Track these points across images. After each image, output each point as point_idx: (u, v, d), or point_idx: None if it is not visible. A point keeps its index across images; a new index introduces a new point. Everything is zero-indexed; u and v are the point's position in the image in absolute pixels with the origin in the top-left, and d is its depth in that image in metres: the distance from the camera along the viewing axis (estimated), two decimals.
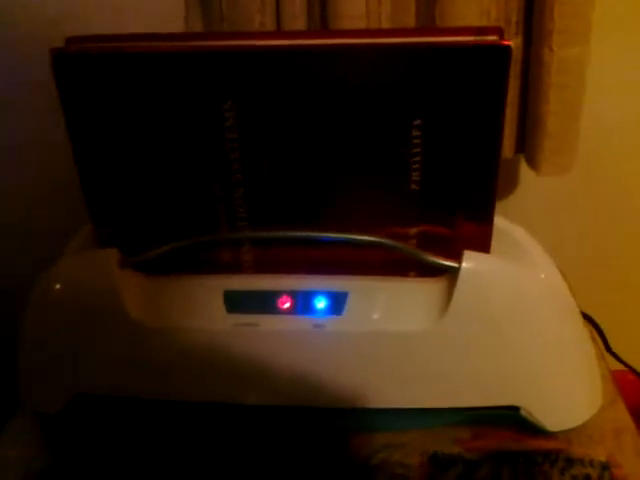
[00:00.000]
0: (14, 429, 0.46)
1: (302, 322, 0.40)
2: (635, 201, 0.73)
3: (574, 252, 0.73)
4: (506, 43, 0.34)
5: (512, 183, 0.72)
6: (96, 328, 0.42)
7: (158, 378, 0.43)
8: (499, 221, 0.41)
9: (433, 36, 0.36)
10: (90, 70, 0.37)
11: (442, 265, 0.39)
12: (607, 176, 0.72)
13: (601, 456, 0.42)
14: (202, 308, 0.41)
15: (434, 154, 0.38)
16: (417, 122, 0.37)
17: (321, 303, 0.40)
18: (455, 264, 0.38)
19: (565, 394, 0.42)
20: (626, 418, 0.45)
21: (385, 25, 0.55)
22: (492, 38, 0.35)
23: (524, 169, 0.70)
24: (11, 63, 0.62)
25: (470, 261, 0.38)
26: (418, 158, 0.38)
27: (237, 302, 0.41)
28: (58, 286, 0.42)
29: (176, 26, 0.61)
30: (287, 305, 0.40)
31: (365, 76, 0.36)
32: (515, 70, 0.59)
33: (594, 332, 0.54)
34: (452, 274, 0.39)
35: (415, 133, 0.37)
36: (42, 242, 0.54)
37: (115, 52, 0.37)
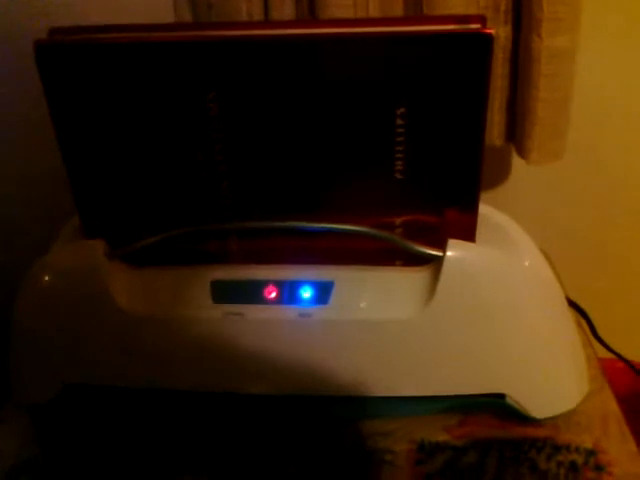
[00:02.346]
0: (4, 419, 0.46)
1: (288, 312, 0.40)
2: (624, 189, 0.73)
3: (564, 240, 0.73)
4: (488, 31, 0.34)
5: (502, 172, 0.72)
6: (85, 319, 0.42)
7: (147, 368, 0.43)
8: (484, 209, 0.41)
9: (416, 25, 0.36)
10: (74, 61, 0.37)
11: (426, 254, 0.39)
12: (596, 165, 0.72)
13: (587, 443, 0.42)
14: (189, 298, 0.41)
15: (418, 143, 0.38)
16: (401, 111, 0.37)
17: (307, 293, 0.40)
18: (439, 253, 0.39)
19: (551, 382, 0.42)
20: (613, 405, 0.45)
21: (373, 13, 0.55)
22: (475, 26, 0.35)
23: (514, 158, 0.70)
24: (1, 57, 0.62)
25: (454, 250, 0.38)
26: (402, 147, 0.38)
27: (224, 292, 0.41)
28: (47, 277, 0.42)
29: (165, 16, 0.61)
30: (273, 295, 0.41)
31: (348, 65, 0.36)
32: (505, 58, 0.59)
33: (582, 320, 0.54)
34: (437, 263, 0.39)
35: (399, 122, 0.37)
36: (34, 233, 0.54)
37: (99, 43, 0.37)
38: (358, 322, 0.40)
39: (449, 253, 0.38)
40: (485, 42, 0.34)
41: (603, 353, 0.55)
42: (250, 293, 0.41)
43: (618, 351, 0.57)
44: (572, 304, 0.52)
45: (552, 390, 0.43)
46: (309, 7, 0.56)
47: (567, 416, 0.43)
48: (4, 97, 0.64)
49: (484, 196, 0.40)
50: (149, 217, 0.42)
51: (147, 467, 0.42)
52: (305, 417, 0.44)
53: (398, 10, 0.56)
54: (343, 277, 0.40)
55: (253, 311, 0.40)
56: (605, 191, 0.73)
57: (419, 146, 0.38)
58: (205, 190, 0.41)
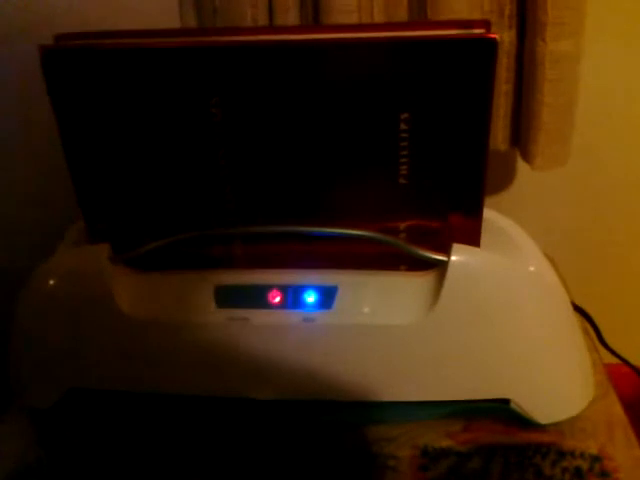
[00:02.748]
0: (7, 424, 0.46)
1: (292, 316, 0.40)
2: (629, 194, 0.73)
3: (569, 245, 0.73)
4: (492, 36, 0.34)
5: (507, 177, 0.72)
6: (88, 323, 0.42)
7: (150, 372, 0.43)
8: (489, 214, 0.41)
9: (421, 30, 0.36)
10: (79, 66, 0.38)
11: (431, 259, 0.39)
12: (601, 169, 0.71)
13: (593, 448, 0.42)
14: (193, 303, 0.41)
15: (422, 148, 0.38)
16: (405, 116, 0.37)
17: (311, 297, 0.40)
18: (444, 257, 0.38)
19: (555, 387, 0.42)
20: (618, 410, 0.45)
21: (377, 19, 0.55)
22: (479, 31, 0.35)
23: (519, 162, 0.70)
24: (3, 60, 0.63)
25: (459, 254, 0.38)
26: (406, 152, 0.38)
27: (228, 297, 0.41)
28: (51, 282, 0.42)
29: (171, 22, 0.61)
30: (277, 299, 0.41)
31: (352, 71, 0.36)
32: (509, 63, 0.59)
33: (588, 325, 0.54)
34: (441, 267, 0.39)
35: (403, 127, 0.37)
36: (38, 237, 0.54)
37: (104, 48, 0.38)
38: (362, 327, 0.40)
39: (453, 258, 0.38)
40: (489, 47, 0.34)
41: (609, 358, 0.55)
42: (254, 298, 0.41)
43: (624, 356, 0.57)
44: (577, 309, 0.52)
45: (557, 395, 0.43)
46: (313, 13, 0.56)
47: (572, 422, 0.43)
48: (6, 100, 0.64)
49: (488, 201, 0.40)
50: (153, 222, 0.42)
51: (150, 472, 0.42)
52: (309, 422, 0.44)
53: (402, 15, 0.56)
54: (347, 282, 0.40)
55: (257, 316, 0.40)
56: (610, 196, 0.73)
57: (423, 151, 0.38)
58: (209, 195, 0.41)
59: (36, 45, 0.37)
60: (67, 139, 0.40)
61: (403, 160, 0.38)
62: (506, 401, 0.42)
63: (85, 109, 0.39)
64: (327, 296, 0.40)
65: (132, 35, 0.38)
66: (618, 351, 0.56)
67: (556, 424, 0.43)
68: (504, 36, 0.57)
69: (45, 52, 0.37)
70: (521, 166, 0.70)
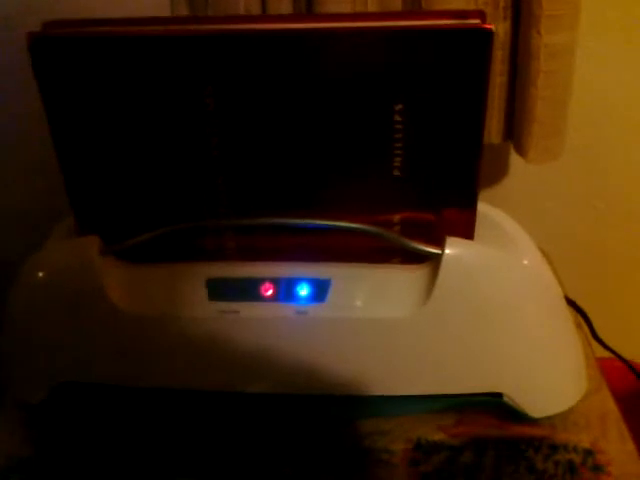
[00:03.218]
0: None
1: (285, 309, 0.40)
2: (622, 188, 0.73)
3: (562, 239, 0.73)
4: (488, 27, 0.34)
5: (501, 170, 0.72)
6: (79, 316, 0.41)
7: (141, 366, 0.42)
8: (483, 207, 0.41)
9: (415, 20, 0.36)
10: (68, 54, 0.37)
11: (424, 251, 0.39)
12: (595, 163, 0.71)
13: (585, 442, 0.42)
14: (185, 296, 0.41)
15: (416, 139, 0.38)
16: (399, 107, 0.37)
17: (304, 290, 0.40)
18: (438, 250, 0.38)
19: (548, 381, 0.42)
20: (611, 404, 0.45)
21: (371, 8, 0.55)
22: (474, 22, 0.35)
23: (513, 156, 0.70)
24: None
25: (452, 247, 0.38)
26: (400, 144, 0.38)
27: (220, 290, 0.41)
28: (40, 274, 0.42)
29: (163, 12, 0.60)
30: (270, 292, 0.40)
31: (346, 61, 0.36)
32: (504, 55, 0.58)
33: (580, 319, 0.54)
34: (435, 260, 0.39)
35: (397, 118, 0.37)
36: (30, 229, 0.53)
37: (93, 36, 0.37)
38: (355, 320, 0.39)
39: (447, 251, 0.38)
40: (485, 38, 0.34)
41: (601, 352, 0.55)
42: (246, 290, 0.40)
43: (617, 350, 0.57)
44: (571, 303, 0.52)
45: (549, 389, 0.43)
46: (307, 2, 0.55)
47: (565, 415, 0.43)
48: (3, 94, 0.64)
49: (482, 194, 0.39)
50: (144, 213, 0.42)
51: (141, 466, 0.42)
52: (301, 416, 0.44)
53: (397, 5, 0.56)
54: (340, 275, 0.40)
55: (249, 309, 0.40)
56: (603, 190, 0.73)
57: (417, 143, 0.38)
58: (201, 186, 0.40)
59: (20, 34, 0.36)
60: (56, 128, 0.39)
61: (397, 152, 0.38)
62: (499, 395, 0.42)
63: (74, 98, 0.38)
64: (320, 289, 0.40)
65: (123, 23, 0.37)
66: (611, 345, 0.56)
67: (549, 418, 0.43)
68: (499, 28, 0.57)
69: (33, 40, 0.36)
70: (515, 160, 0.70)
